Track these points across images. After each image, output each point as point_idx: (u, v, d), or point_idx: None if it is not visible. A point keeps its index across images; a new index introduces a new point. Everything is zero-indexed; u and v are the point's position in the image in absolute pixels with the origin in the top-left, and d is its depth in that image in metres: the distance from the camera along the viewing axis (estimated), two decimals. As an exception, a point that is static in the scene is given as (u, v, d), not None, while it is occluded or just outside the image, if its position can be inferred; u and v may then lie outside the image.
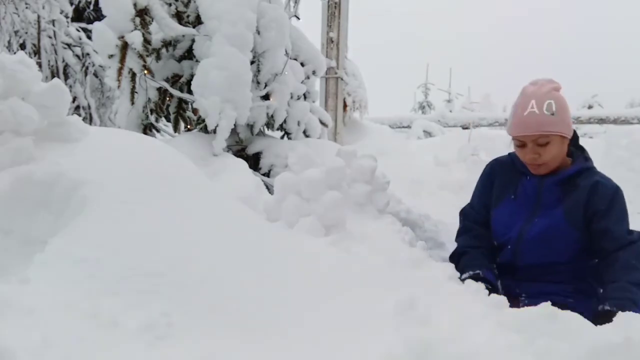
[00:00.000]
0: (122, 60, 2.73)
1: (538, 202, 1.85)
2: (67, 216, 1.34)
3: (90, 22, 6.06)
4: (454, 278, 1.78)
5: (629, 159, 4.48)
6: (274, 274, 1.45)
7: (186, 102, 3.17)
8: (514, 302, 1.72)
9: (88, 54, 5.92)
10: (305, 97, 3.59)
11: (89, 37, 5.59)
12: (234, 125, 2.86)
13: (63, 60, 5.80)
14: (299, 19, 4.01)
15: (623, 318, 1.16)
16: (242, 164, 2.78)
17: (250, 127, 3.23)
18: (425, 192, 3.95)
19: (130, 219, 1.36)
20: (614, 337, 1.08)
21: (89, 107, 5.98)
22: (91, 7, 6.42)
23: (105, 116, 6.27)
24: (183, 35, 3.01)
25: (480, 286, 1.69)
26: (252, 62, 2.98)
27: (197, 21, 3.02)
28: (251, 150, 3.21)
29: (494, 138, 5.81)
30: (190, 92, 2.95)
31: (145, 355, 1.06)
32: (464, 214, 2.12)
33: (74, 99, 5.84)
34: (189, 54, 3.15)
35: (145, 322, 1.12)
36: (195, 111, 3.13)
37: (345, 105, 7.45)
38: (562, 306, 1.34)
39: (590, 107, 10.28)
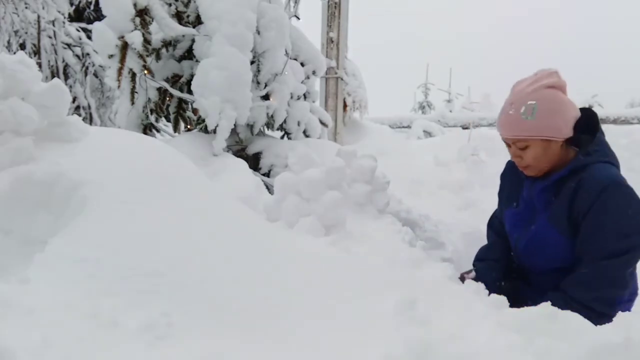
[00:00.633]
0: (122, 60, 2.73)
1: (534, 207, 1.75)
2: (67, 216, 1.34)
3: (90, 22, 6.06)
4: (454, 278, 1.78)
5: (629, 159, 4.48)
6: (274, 274, 1.45)
7: (186, 102, 3.17)
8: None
9: (88, 54, 5.92)
10: (305, 97, 3.59)
11: (89, 37, 5.59)
12: (234, 125, 2.86)
13: (63, 60, 5.80)
14: (299, 19, 4.01)
15: (623, 318, 1.16)
16: (242, 164, 2.79)
17: (250, 127, 3.23)
18: (425, 192, 3.95)
19: (130, 219, 1.36)
20: (614, 337, 1.08)
21: (89, 107, 5.98)
22: (91, 7, 6.42)
23: (105, 116, 6.27)
24: (183, 35, 3.01)
25: (481, 286, 1.69)
26: (252, 62, 2.98)
27: (197, 21, 3.02)
28: (251, 150, 3.21)
29: (493, 138, 5.80)
30: (190, 92, 2.95)
31: (145, 355, 1.06)
32: (489, 219, 2.12)
33: (74, 99, 5.84)
34: (189, 54, 3.15)
35: (145, 322, 1.12)
36: (195, 111, 3.13)
37: (345, 105, 7.45)
38: None
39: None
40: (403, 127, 10.15)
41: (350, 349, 1.22)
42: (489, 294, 1.56)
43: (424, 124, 9.43)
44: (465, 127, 8.87)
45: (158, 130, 3.36)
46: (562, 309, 1.22)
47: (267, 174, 3.06)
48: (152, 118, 3.15)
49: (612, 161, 1.62)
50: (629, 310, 1.61)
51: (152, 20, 2.87)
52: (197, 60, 2.94)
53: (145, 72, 2.92)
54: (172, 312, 1.17)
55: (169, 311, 1.17)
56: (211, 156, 2.80)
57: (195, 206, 1.54)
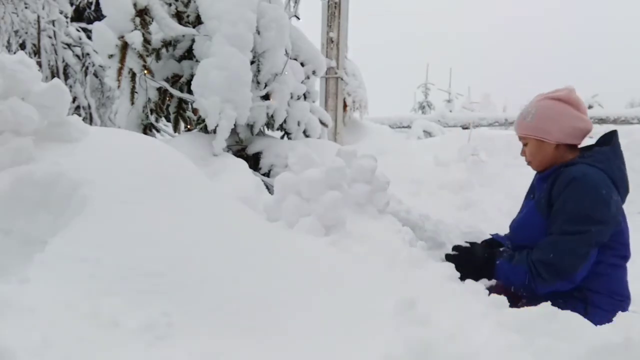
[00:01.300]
0: (122, 60, 2.73)
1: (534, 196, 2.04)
2: (67, 216, 1.34)
3: (90, 22, 6.06)
4: (454, 278, 1.78)
5: (629, 159, 4.45)
6: (274, 274, 1.45)
7: (186, 102, 3.17)
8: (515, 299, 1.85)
9: (88, 54, 5.92)
10: (305, 97, 3.59)
11: (89, 37, 5.59)
12: (234, 125, 2.86)
13: (63, 60, 5.81)
14: (299, 19, 4.01)
15: (623, 318, 1.16)
16: (242, 164, 2.78)
17: (250, 127, 3.23)
18: (425, 192, 3.96)
19: (130, 219, 1.36)
20: (614, 337, 1.08)
21: (89, 107, 5.98)
22: (91, 7, 6.42)
23: (105, 116, 6.27)
24: (183, 35, 3.01)
25: (481, 286, 1.69)
26: (252, 62, 2.98)
27: (197, 21, 3.02)
28: (251, 150, 3.21)
29: (493, 138, 5.81)
30: (190, 92, 2.95)
31: (145, 355, 1.06)
32: None
33: (74, 99, 5.85)
34: (189, 54, 3.15)
35: (145, 322, 1.12)
36: (195, 111, 3.13)
37: (345, 105, 7.45)
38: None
39: (590, 107, 10.28)
40: (403, 127, 10.15)
41: (350, 348, 1.22)
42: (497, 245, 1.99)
43: (424, 124, 9.43)
44: (465, 127, 8.88)
45: (158, 130, 3.36)
46: (522, 264, 1.80)
47: (267, 174, 3.06)
48: (152, 118, 3.15)
49: (597, 165, 1.83)
50: (564, 299, 1.78)
51: (152, 20, 2.87)
52: (197, 60, 2.94)
53: (145, 72, 2.92)
54: (172, 312, 1.17)
55: (169, 311, 1.17)
56: (211, 156, 2.80)
57: (195, 206, 1.54)
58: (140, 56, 2.79)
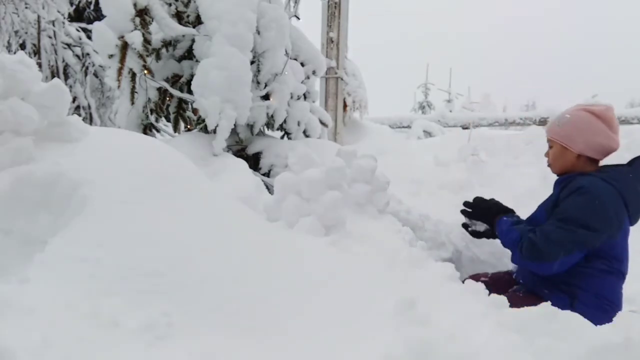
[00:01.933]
0: (122, 60, 2.73)
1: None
2: (67, 216, 1.34)
3: (90, 22, 6.06)
4: (454, 278, 1.78)
5: (629, 159, 4.46)
6: (274, 274, 1.45)
7: (186, 102, 3.17)
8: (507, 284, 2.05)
9: (88, 54, 5.92)
10: (305, 97, 3.59)
11: (89, 37, 5.59)
12: (234, 125, 2.86)
13: (63, 60, 5.80)
14: (299, 19, 4.01)
15: (623, 318, 1.16)
16: (242, 164, 2.78)
17: (250, 127, 3.23)
18: (425, 192, 3.95)
19: (130, 219, 1.36)
20: (614, 337, 1.08)
21: (89, 107, 5.98)
22: (91, 7, 6.42)
23: (105, 116, 6.27)
24: (183, 35, 3.01)
25: (481, 286, 1.69)
26: (252, 62, 2.98)
27: (197, 21, 3.02)
28: (251, 150, 3.21)
29: (493, 138, 5.81)
30: (190, 92, 2.95)
31: (145, 355, 1.06)
32: None
33: (74, 99, 5.84)
34: (189, 54, 3.15)
35: (145, 322, 1.12)
36: (195, 111, 3.13)
37: (345, 105, 7.45)
38: (539, 297, 1.80)
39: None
40: (403, 127, 10.16)
41: (350, 348, 1.22)
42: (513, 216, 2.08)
43: (424, 124, 9.44)
44: (465, 127, 8.89)
45: (158, 130, 3.36)
46: (518, 231, 1.93)
47: (267, 174, 3.06)
48: (152, 118, 3.15)
49: (611, 182, 1.88)
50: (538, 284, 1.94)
51: (152, 20, 2.87)
52: (197, 60, 2.94)
53: (145, 72, 2.92)
54: (172, 312, 1.17)
55: (169, 311, 1.17)
56: (211, 156, 2.80)
57: (195, 206, 1.54)
58: (140, 56, 2.79)
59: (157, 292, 1.22)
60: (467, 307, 1.43)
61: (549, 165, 2.10)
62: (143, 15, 2.78)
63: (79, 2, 6.38)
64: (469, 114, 11.58)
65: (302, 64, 3.55)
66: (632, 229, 1.93)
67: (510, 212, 2.15)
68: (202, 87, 2.77)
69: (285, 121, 3.35)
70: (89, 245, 1.26)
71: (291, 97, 3.34)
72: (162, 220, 1.41)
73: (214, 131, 2.80)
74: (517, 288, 2.04)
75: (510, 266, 2.28)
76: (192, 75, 2.98)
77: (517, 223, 2.03)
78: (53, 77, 5.55)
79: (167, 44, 3.06)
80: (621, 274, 1.90)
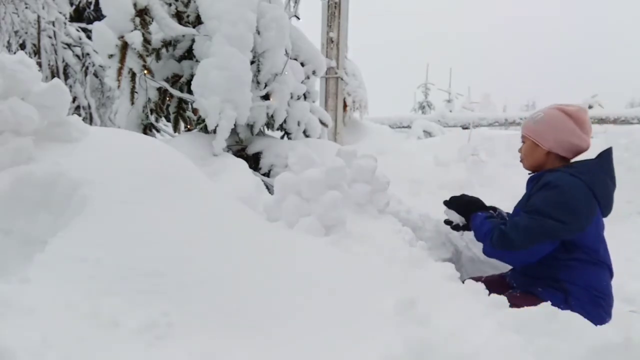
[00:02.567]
0: (122, 60, 2.73)
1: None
2: (67, 216, 1.34)
3: (90, 22, 6.07)
4: (454, 278, 1.78)
5: (629, 159, 4.47)
6: (274, 274, 1.45)
7: (186, 102, 3.17)
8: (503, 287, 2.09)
9: (88, 54, 5.92)
10: (305, 97, 3.59)
11: (89, 37, 5.59)
12: (234, 125, 2.86)
13: (63, 60, 5.80)
14: (299, 19, 4.01)
15: (623, 318, 1.16)
16: (242, 164, 2.78)
17: (250, 127, 3.23)
18: (425, 192, 3.95)
19: (130, 219, 1.36)
20: (614, 337, 1.08)
21: (89, 107, 5.98)
22: (91, 7, 6.42)
23: (105, 116, 6.27)
24: (183, 35, 3.01)
25: (481, 286, 1.69)
26: (252, 62, 2.98)
27: (197, 21, 3.02)
28: (251, 150, 3.21)
29: (493, 138, 5.81)
30: (190, 92, 2.95)
31: (145, 355, 1.06)
32: None
33: (74, 99, 5.85)
34: (189, 54, 3.15)
35: (145, 322, 1.12)
36: (195, 111, 3.13)
37: (345, 105, 7.45)
38: (536, 297, 1.83)
39: (590, 107, 10.28)
40: (403, 127, 10.16)
41: (350, 348, 1.22)
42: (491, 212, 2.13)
43: (424, 124, 9.44)
44: (465, 127, 8.89)
45: (158, 130, 3.36)
46: (490, 224, 2.00)
47: (267, 174, 3.06)
48: (152, 118, 3.15)
49: (579, 176, 1.92)
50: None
51: (152, 20, 2.87)
52: (197, 60, 2.94)
53: (145, 72, 2.92)
54: (172, 312, 1.17)
55: (169, 311, 1.17)
56: (211, 156, 2.80)
57: (195, 206, 1.54)
58: (140, 56, 2.79)
59: (157, 292, 1.22)
60: (467, 307, 1.43)
61: (521, 161, 2.17)
62: (143, 15, 2.78)
63: (79, 2, 6.38)
64: (469, 114, 11.59)
65: (302, 64, 3.55)
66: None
67: (490, 209, 2.21)
68: (202, 87, 2.77)
69: (285, 121, 3.35)
70: (89, 245, 1.26)
71: (291, 97, 3.34)
72: (162, 220, 1.41)
73: (214, 131, 2.80)
74: (513, 290, 2.06)
75: (507, 268, 2.28)
76: (192, 75, 2.98)
77: (490, 217, 2.10)
78: (53, 77, 5.55)
79: (167, 44, 3.06)
80: (605, 265, 1.93)
